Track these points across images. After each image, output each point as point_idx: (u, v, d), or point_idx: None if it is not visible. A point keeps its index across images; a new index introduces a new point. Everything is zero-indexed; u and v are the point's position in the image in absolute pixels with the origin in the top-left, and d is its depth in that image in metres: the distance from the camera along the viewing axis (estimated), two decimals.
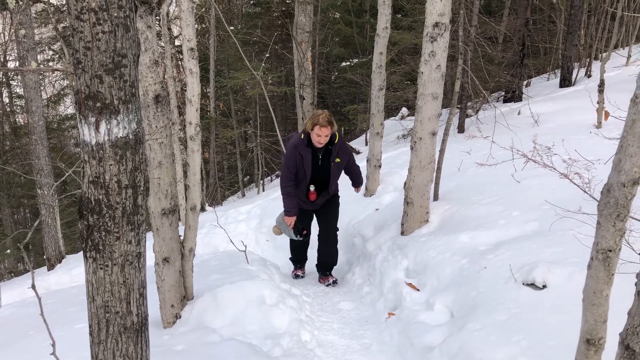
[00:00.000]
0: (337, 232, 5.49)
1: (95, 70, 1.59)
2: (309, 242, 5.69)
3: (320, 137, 4.81)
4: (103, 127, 1.65)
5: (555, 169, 3.60)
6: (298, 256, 5.83)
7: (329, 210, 5.40)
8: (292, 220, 5.17)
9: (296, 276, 5.81)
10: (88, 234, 1.76)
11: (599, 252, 1.66)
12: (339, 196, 5.44)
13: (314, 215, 5.51)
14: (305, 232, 5.34)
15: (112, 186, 1.71)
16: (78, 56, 1.59)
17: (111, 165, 1.69)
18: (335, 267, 5.64)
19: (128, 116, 1.68)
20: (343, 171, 5.32)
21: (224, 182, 17.16)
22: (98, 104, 1.62)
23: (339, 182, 5.34)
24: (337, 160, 5.09)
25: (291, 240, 5.58)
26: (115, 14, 1.58)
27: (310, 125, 4.86)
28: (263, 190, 13.58)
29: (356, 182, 5.57)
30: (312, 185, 5.12)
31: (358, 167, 5.51)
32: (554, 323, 2.93)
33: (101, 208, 1.72)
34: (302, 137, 4.94)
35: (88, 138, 1.66)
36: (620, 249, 1.65)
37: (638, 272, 1.62)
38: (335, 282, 5.50)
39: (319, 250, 5.53)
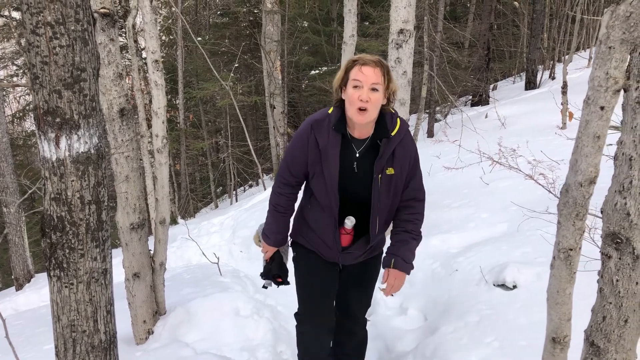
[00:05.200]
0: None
1: (54, 85, 1.57)
2: (333, 331, 2.85)
3: (360, 89, 2.27)
4: (63, 142, 1.62)
5: (520, 170, 3.67)
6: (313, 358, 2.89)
7: (366, 273, 2.79)
8: (268, 251, 2.77)
9: None
10: (51, 252, 1.73)
11: (561, 252, 1.69)
12: (383, 252, 2.74)
13: (339, 274, 2.77)
14: (280, 280, 2.79)
15: (75, 202, 1.68)
16: (35, 71, 1.57)
17: (73, 181, 1.66)
18: None
19: (89, 131, 1.66)
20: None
21: (196, 193, 17.01)
22: (57, 120, 1.60)
23: None
24: (390, 171, 2.43)
25: (299, 338, 2.90)
26: (73, 28, 1.56)
27: (342, 72, 2.37)
28: (236, 201, 13.50)
29: (402, 247, 2.55)
30: (350, 218, 2.51)
31: (422, 208, 2.56)
32: (524, 323, 2.97)
33: (64, 225, 1.69)
34: (330, 111, 2.44)
35: (48, 154, 1.63)
36: (580, 248, 1.69)
37: (599, 270, 1.66)
38: None
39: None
